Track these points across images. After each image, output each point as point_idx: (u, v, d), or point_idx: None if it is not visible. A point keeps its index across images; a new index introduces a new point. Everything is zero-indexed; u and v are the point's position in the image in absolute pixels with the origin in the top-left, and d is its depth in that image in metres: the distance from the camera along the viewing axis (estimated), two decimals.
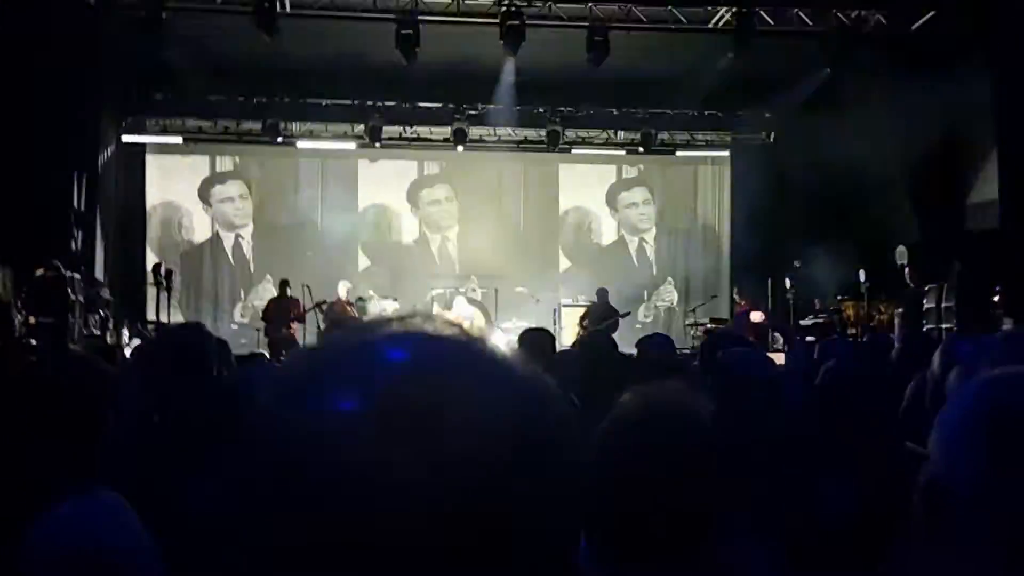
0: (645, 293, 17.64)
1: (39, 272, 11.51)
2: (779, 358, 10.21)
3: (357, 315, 14.48)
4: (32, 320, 11.28)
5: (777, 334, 13.07)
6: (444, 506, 0.55)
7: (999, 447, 1.03)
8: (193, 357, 3.15)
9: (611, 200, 18.37)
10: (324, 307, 14.06)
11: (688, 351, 14.30)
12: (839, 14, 13.34)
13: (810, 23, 13.46)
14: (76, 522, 1.73)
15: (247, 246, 17.40)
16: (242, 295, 17.17)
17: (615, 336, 13.77)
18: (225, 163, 17.55)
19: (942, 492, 1.06)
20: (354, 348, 0.63)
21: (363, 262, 17.52)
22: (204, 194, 17.38)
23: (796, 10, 13.35)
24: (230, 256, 17.36)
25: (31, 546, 1.62)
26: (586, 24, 12.99)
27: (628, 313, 14.85)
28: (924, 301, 12.71)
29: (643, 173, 18.46)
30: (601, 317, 14.31)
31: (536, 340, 4.86)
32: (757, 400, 2.77)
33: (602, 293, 14.96)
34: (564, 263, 18.08)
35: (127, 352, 9.91)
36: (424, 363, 0.61)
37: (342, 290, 14.58)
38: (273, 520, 0.57)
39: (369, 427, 0.57)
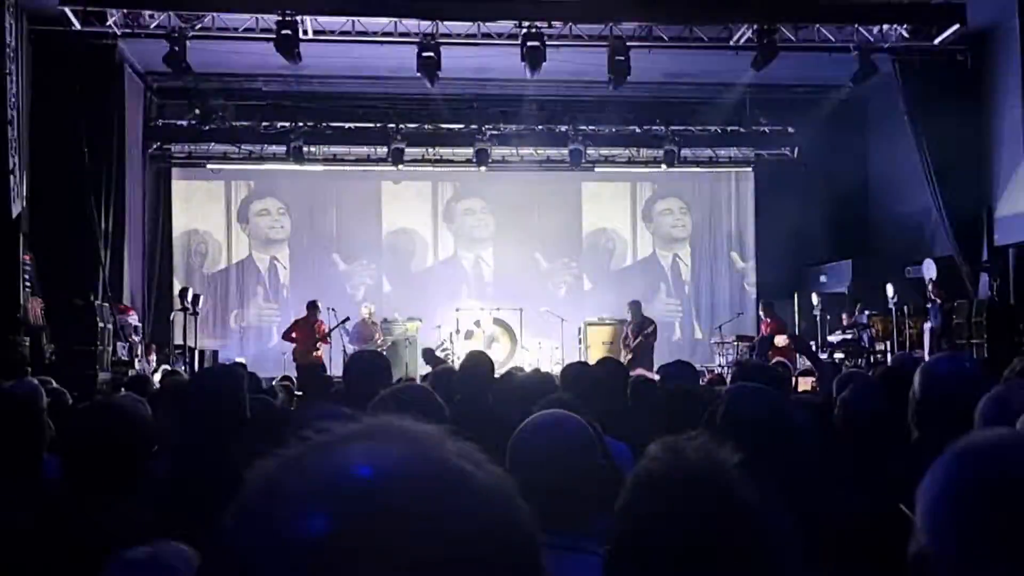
0: (679, 309, 17.58)
1: (69, 301, 11.65)
2: (805, 381, 10.15)
3: (382, 336, 14.54)
4: (62, 348, 11.41)
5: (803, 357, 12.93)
6: None
7: (978, 520, 1.05)
8: (228, 401, 3.18)
9: (647, 212, 18.30)
10: (347, 324, 14.12)
11: (715, 368, 14.26)
12: (861, 28, 13.27)
13: (832, 38, 13.40)
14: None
15: (281, 269, 17.51)
16: (270, 318, 17.24)
17: (655, 347, 13.94)
18: (249, 188, 17.69)
19: (929, 563, 1.07)
20: (315, 467, 0.64)
21: (387, 284, 17.58)
22: (239, 215, 17.52)
23: (818, 26, 13.30)
24: (266, 278, 17.45)
25: None
26: (606, 44, 13.00)
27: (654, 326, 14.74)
28: (953, 316, 12.59)
29: (665, 190, 18.41)
30: (641, 331, 14.23)
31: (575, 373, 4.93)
32: (765, 443, 2.72)
33: (635, 305, 14.79)
34: (588, 281, 18.05)
35: (156, 377, 10.02)
36: (385, 481, 0.62)
37: (364, 312, 14.65)
38: None
39: (330, 550, 0.58)
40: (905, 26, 13.27)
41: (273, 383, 8.10)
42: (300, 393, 7.96)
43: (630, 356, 13.71)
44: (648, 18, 13.08)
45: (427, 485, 0.62)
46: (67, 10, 12.10)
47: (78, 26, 12.39)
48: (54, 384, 6.13)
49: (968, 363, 2.47)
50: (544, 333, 15.87)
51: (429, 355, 13.54)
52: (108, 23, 12.63)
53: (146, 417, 3.23)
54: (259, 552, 0.60)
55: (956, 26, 12.81)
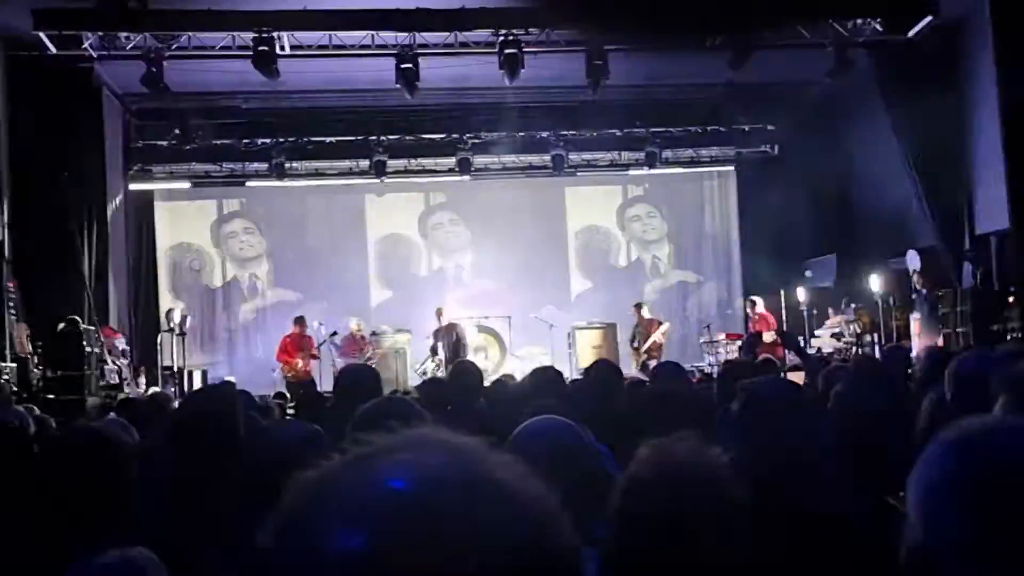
0: (661, 313, 17.62)
1: (54, 327, 11.59)
2: (792, 376, 10.17)
3: (371, 348, 14.51)
4: (50, 374, 11.35)
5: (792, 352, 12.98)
6: None
7: (976, 511, 1.03)
8: (223, 424, 3.16)
9: (619, 218, 18.38)
10: (335, 338, 14.13)
11: (705, 367, 14.29)
12: (836, 24, 13.33)
13: (807, 35, 13.46)
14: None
15: (262, 286, 17.47)
16: (258, 335, 17.18)
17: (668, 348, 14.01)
18: (232, 206, 17.65)
19: (926, 557, 1.05)
20: (353, 481, 0.64)
21: (375, 296, 17.55)
22: (214, 236, 17.49)
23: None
24: (245, 294, 17.42)
25: None
26: (583, 48, 13.03)
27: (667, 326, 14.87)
28: (939, 306, 12.66)
29: (649, 192, 18.47)
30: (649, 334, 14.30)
31: (549, 378, 4.88)
32: (790, 432, 2.72)
33: (639, 308, 14.84)
34: (576, 287, 18.06)
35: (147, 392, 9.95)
36: (422, 494, 0.61)
37: (353, 325, 14.62)
38: None
39: (368, 564, 0.58)
40: (879, 20, 13.34)
41: (268, 399, 8.07)
42: (293, 409, 7.94)
43: (645, 359, 13.78)
44: (624, 31, 13.08)
45: (466, 498, 0.61)
46: (42, 35, 12.06)
47: (54, 50, 12.34)
48: (37, 411, 6.11)
49: None
50: (533, 340, 15.86)
51: (440, 313, 13.98)
52: (84, 46, 12.59)
53: (129, 443, 3.21)
54: (298, 567, 0.60)
55: (929, 18, 12.90)
